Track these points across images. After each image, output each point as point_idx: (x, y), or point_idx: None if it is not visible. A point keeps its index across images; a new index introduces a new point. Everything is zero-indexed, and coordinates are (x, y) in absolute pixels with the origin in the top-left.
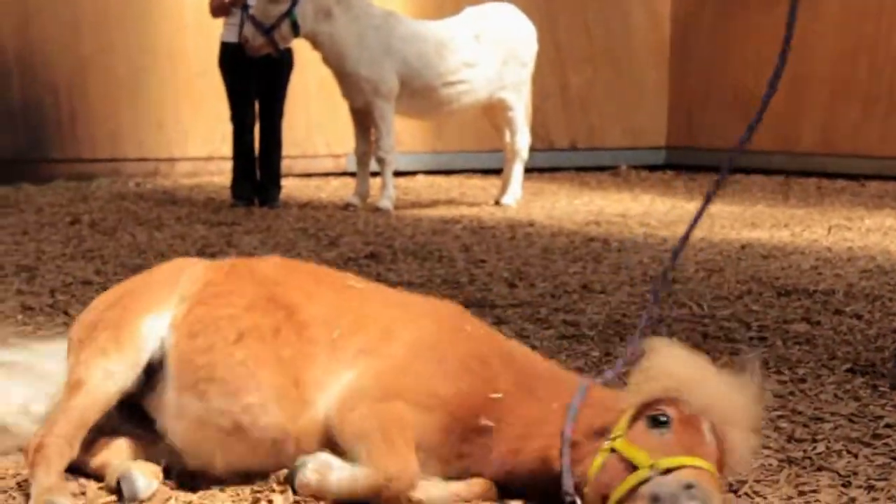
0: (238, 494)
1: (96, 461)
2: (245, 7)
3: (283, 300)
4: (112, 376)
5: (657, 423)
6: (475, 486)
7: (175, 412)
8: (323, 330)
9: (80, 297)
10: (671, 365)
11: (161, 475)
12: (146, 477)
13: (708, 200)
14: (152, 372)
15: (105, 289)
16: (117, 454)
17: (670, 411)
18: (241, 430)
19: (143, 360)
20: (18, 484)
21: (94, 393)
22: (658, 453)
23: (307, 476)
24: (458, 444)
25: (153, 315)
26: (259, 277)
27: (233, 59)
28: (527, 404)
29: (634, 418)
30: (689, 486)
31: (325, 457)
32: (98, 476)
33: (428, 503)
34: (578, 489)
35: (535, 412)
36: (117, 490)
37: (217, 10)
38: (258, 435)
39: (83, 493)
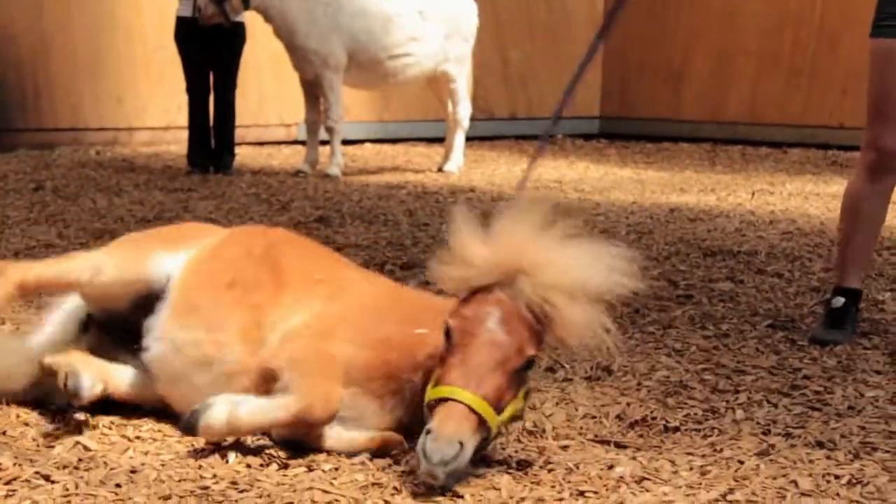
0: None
1: (53, 359)
2: None
3: (273, 258)
4: (98, 272)
5: (447, 334)
6: (382, 438)
7: (160, 334)
8: (296, 284)
9: (44, 259)
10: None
11: (109, 383)
12: (92, 379)
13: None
14: (156, 299)
15: (66, 251)
16: (75, 359)
17: (452, 322)
18: (208, 363)
19: (139, 280)
20: None
21: (70, 268)
22: (439, 379)
23: (214, 416)
24: (389, 381)
25: (168, 253)
26: (263, 239)
27: (187, 33)
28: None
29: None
30: (427, 432)
31: (229, 395)
32: (49, 373)
33: (333, 446)
34: None
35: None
36: (64, 386)
37: None
38: (220, 369)
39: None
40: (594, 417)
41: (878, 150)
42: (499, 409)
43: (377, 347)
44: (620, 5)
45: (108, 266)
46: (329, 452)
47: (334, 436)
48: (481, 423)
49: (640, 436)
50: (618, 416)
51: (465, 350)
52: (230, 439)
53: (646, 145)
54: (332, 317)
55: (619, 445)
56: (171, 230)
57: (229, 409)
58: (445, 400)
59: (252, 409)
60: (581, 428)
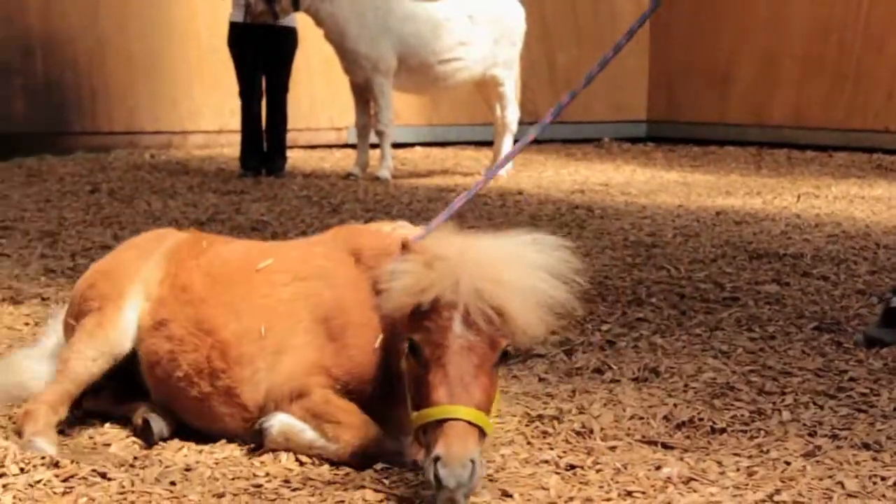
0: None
1: (124, 407)
2: None
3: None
4: (95, 361)
5: (413, 351)
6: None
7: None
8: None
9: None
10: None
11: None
12: (163, 420)
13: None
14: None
15: None
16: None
17: (417, 337)
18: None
19: (121, 349)
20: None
21: (78, 373)
22: (423, 399)
23: (275, 437)
24: (380, 387)
25: (126, 308)
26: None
27: (241, 38)
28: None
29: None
30: (436, 459)
31: (287, 419)
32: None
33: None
34: None
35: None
36: (143, 429)
37: None
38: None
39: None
40: (642, 418)
41: None
42: (489, 410)
43: (353, 370)
44: (645, 18)
45: (98, 357)
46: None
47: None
48: (481, 433)
49: (687, 437)
50: (665, 418)
51: (442, 363)
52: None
53: (692, 149)
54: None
55: (666, 446)
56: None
57: (287, 434)
58: (442, 421)
59: (313, 442)
60: (629, 429)
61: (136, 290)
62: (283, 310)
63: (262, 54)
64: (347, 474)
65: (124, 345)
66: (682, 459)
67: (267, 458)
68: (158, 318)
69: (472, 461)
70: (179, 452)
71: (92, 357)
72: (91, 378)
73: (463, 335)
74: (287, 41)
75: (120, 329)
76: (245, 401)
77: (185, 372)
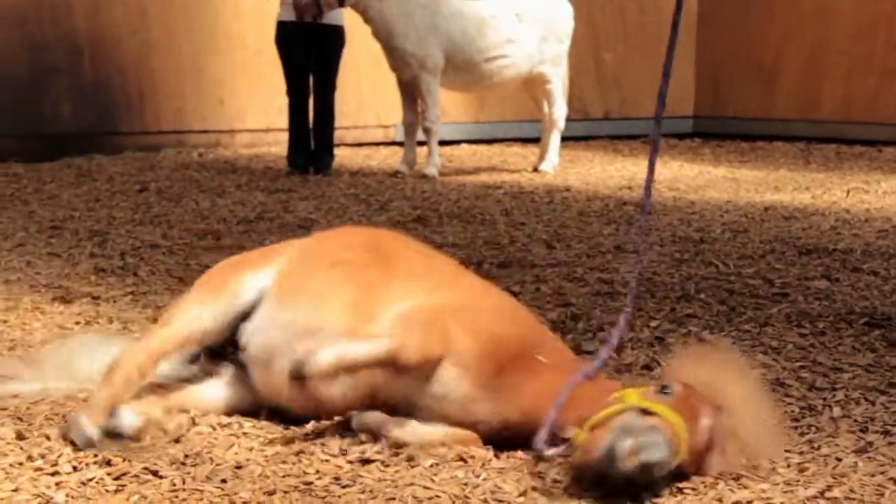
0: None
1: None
2: None
3: (382, 247)
4: (199, 319)
5: (662, 390)
6: (460, 435)
7: (261, 324)
8: (407, 272)
9: (149, 259)
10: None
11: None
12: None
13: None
14: (250, 313)
15: (172, 252)
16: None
17: (677, 387)
18: (311, 333)
19: (234, 309)
20: None
21: (178, 329)
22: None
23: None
24: (489, 377)
25: (257, 272)
26: (369, 233)
27: (288, 37)
28: (547, 376)
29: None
30: (651, 428)
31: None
32: None
33: (405, 437)
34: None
35: (547, 386)
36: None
37: None
38: (324, 337)
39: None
40: None
41: None
42: None
43: (492, 342)
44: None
45: (204, 315)
46: (402, 445)
47: (409, 428)
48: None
49: None
50: None
51: (681, 409)
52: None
53: (740, 144)
54: (450, 304)
55: None
56: (252, 253)
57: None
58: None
59: (348, 348)
60: None
61: (274, 260)
62: None
63: (309, 53)
64: (397, 471)
65: (243, 300)
66: None
67: (317, 455)
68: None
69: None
70: (230, 450)
71: (200, 312)
72: (189, 337)
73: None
74: (335, 39)
75: (240, 288)
76: (379, 299)
77: (333, 262)
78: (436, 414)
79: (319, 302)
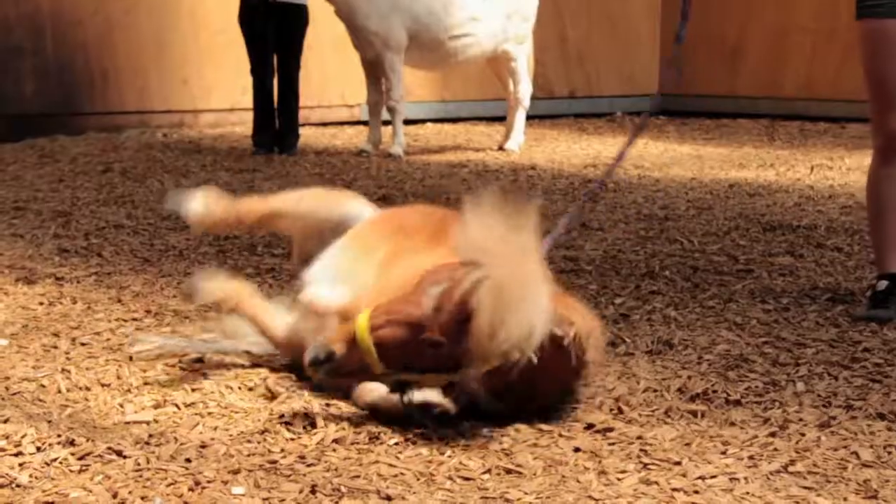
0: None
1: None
2: None
3: (442, 221)
4: (300, 201)
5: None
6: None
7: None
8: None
9: (113, 240)
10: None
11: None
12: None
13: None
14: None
15: (136, 232)
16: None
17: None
18: (344, 279)
19: (331, 217)
20: None
21: (276, 199)
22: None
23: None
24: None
25: (364, 203)
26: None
27: (252, 16)
28: None
29: None
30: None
31: None
32: None
33: (376, 402)
34: None
35: None
36: None
37: None
38: (352, 285)
39: None
40: (656, 391)
41: (885, 134)
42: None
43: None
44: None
45: (309, 197)
46: (372, 412)
47: (379, 392)
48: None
49: (702, 408)
50: (679, 390)
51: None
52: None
53: (704, 122)
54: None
55: (680, 418)
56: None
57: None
58: None
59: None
60: (643, 401)
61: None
62: None
63: (273, 32)
64: (361, 449)
65: (348, 210)
66: (696, 431)
67: (282, 434)
68: None
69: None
70: (195, 430)
71: (300, 196)
72: (283, 209)
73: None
74: (298, 18)
75: (352, 202)
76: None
77: (396, 225)
78: None
79: (363, 253)
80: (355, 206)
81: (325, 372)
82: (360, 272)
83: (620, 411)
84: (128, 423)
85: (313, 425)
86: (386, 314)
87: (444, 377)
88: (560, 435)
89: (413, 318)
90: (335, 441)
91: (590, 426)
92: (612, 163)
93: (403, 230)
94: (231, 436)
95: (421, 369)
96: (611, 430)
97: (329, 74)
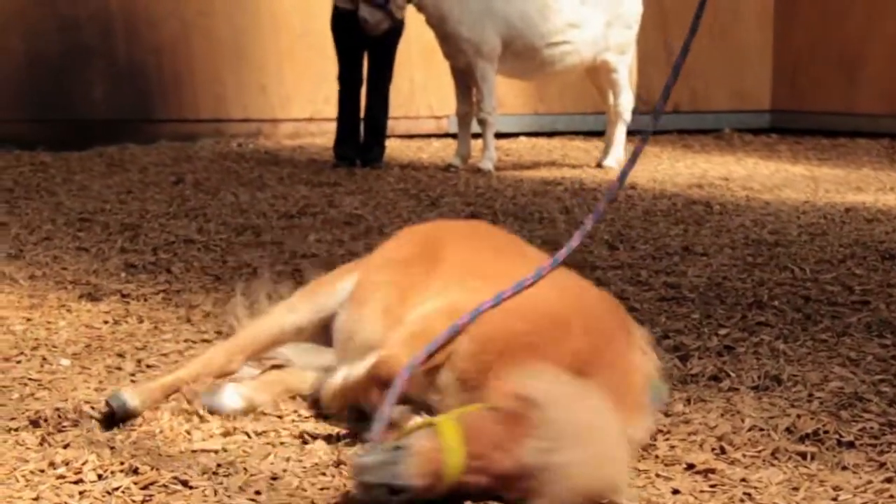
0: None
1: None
2: None
3: (435, 245)
4: (294, 310)
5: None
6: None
7: (336, 325)
8: (449, 266)
9: (183, 255)
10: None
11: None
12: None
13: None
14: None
15: (207, 248)
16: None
17: (511, 405)
18: (351, 338)
19: (326, 308)
20: None
21: (271, 321)
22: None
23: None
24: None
25: (345, 277)
26: (436, 229)
27: (346, 24)
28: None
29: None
30: (396, 448)
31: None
32: None
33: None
34: None
35: None
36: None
37: None
38: (358, 343)
39: None
40: (762, 430)
41: None
42: None
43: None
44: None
45: (298, 302)
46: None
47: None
48: None
49: (812, 450)
50: (787, 429)
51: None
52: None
53: (819, 140)
54: (466, 306)
55: (788, 460)
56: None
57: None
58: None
59: (348, 373)
60: (748, 441)
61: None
62: None
63: (367, 39)
64: None
65: (335, 301)
66: (805, 474)
67: None
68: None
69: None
70: (266, 460)
71: (291, 306)
72: (282, 330)
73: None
74: (393, 26)
75: (333, 290)
76: (410, 302)
77: (386, 260)
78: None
79: (362, 307)
80: (341, 289)
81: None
82: (372, 329)
83: (723, 451)
84: (195, 451)
85: None
86: (480, 459)
87: None
88: (657, 475)
89: (505, 472)
90: None
91: (690, 466)
92: (616, 181)
93: (398, 265)
94: (304, 468)
95: None
96: (712, 471)
97: (416, 84)
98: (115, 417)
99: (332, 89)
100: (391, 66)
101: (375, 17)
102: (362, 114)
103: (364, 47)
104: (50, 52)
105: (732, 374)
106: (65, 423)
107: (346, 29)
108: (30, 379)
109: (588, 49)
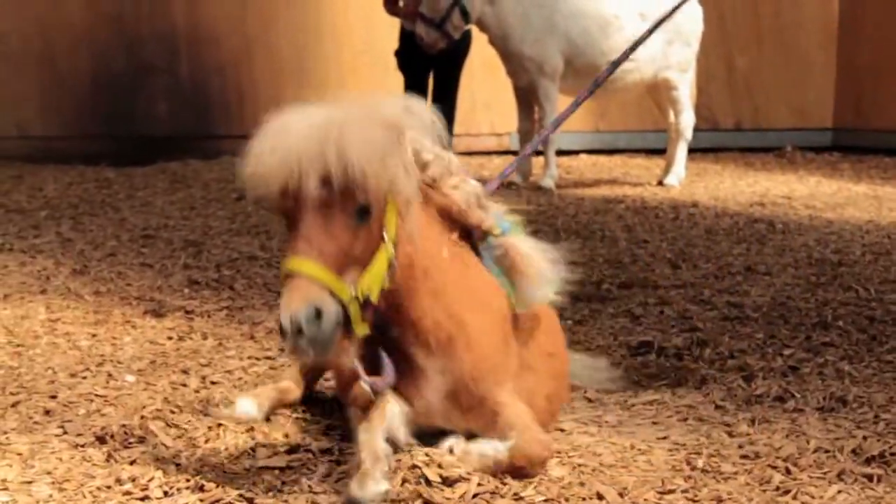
0: None
1: None
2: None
3: None
4: None
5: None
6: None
7: None
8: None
9: (246, 272)
10: None
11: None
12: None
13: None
14: None
15: (270, 264)
16: None
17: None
18: None
19: None
20: None
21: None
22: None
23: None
24: None
25: None
26: None
27: (411, 43)
28: None
29: None
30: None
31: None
32: None
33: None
34: None
35: None
36: None
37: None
38: None
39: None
40: (827, 451)
41: None
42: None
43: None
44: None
45: None
46: None
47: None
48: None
49: (879, 472)
50: (853, 451)
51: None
52: None
53: (883, 159)
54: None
55: (854, 482)
56: None
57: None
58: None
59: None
60: (813, 462)
61: None
62: None
63: (433, 56)
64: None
65: None
66: (872, 496)
67: (422, 487)
68: None
69: (318, 309)
70: (329, 478)
71: None
72: None
73: (311, 195)
74: (462, 42)
75: None
76: None
77: None
78: None
79: None
80: None
81: (314, 338)
82: None
83: (788, 472)
84: (260, 468)
85: (453, 481)
86: (307, 239)
87: None
88: (719, 499)
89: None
90: (476, 496)
91: (752, 486)
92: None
93: None
94: None
95: None
96: (778, 490)
97: (478, 101)
98: None
99: None
100: (456, 85)
101: (431, 36)
102: None
103: (429, 66)
104: (115, 70)
105: (797, 395)
106: (131, 440)
107: (411, 48)
108: (96, 395)
109: (649, 67)
